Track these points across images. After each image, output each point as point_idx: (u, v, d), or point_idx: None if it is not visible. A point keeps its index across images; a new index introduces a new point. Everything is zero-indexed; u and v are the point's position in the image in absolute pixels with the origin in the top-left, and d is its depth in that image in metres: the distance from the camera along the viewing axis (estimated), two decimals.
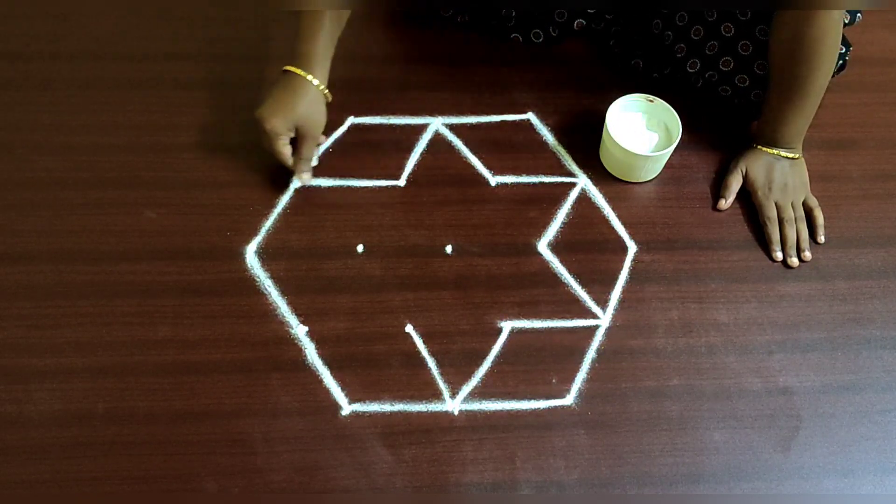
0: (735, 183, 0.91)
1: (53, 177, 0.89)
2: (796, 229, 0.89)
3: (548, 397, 0.79)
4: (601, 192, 0.92)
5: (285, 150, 0.85)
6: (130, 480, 0.73)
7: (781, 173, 0.90)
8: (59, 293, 0.81)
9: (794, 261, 0.87)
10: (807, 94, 0.84)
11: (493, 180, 0.92)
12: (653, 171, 0.92)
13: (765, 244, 0.89)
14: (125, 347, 0.79)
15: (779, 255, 0.87)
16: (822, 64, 0.81)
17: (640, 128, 0.91)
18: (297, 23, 0.84)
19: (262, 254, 0.85)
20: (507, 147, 0.94)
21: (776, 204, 0.89)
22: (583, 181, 0.92)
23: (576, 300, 0.84)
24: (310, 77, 0.83)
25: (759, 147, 0.90)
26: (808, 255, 0.88)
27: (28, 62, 0.98)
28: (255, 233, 0.86)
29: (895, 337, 0.84)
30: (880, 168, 0.96)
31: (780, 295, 0.86)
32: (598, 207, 0.91)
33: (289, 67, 0.83)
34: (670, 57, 0.95)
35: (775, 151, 0.90)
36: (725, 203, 0.90)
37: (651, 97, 0.90)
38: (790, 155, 0.90)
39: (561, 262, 0.87)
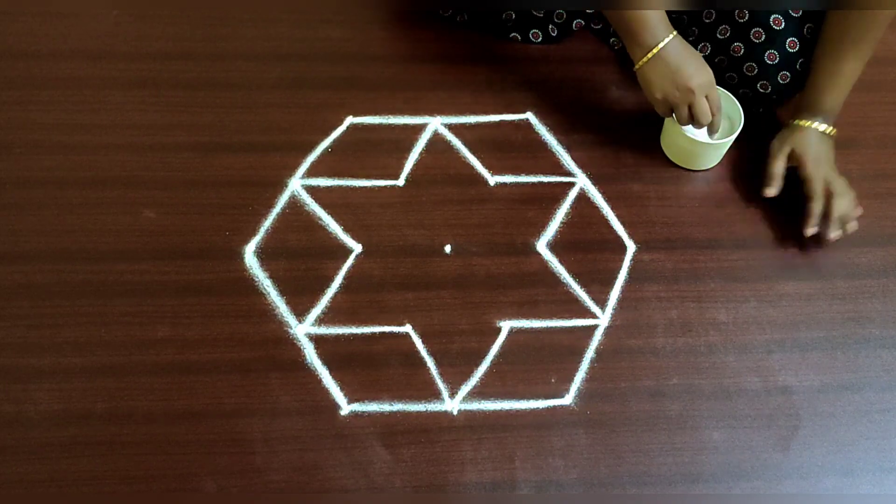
0: (780, 167, 0.88)
1: (53, 177, 0.89)
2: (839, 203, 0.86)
3: (547, 397, 0.79)
4: (600, 192, 0.92)
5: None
6: (129, 480, 0.73)
7: (827, 147, 0.88)
8: (58, 293, 0.82)
9: (838, 233, 0.86)
10: (860, 56, 0.84)
11: (492, 180, 0.92)
12: (715, 158, 0.92)
13: (764, 244, 0.89)
14: (124, 347, 0.79)
15: (813, 231, 0.86)
16: (879, 29, 0.82)
17: None
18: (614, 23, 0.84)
19: (261, 253, 0.85)
20: (505, 147, 0.94)
21: (824, 177, 0.87)
22: (582, 181, 0.92)
23: (575, 300, 0.84)
24: (671, 35, 0.82)
25: (800, 123, 0.88)
26: (853, 225, 0.87)
27: (28, 62, 0.98)
28: (253, 232, 0.86)
29: (894, 336, 0.84)
30: (880, 167, 0.96)
31: (779, 294, 0.86)
32: (597, 207, 0.91)
33: (654, 50, 0.81)
34: None
35: (815, 125, 0.87)
36: (774, 190, 0.88)
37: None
38: (828, 130, 0.88)
39: (560, 261, 0.87)
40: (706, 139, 0.89)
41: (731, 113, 0.90)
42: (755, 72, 0.89)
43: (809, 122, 0.88)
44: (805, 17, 0.86)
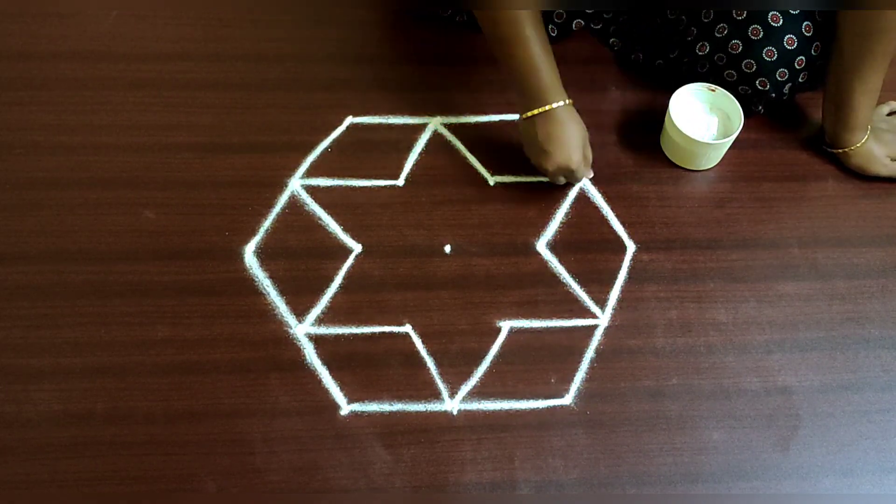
0: None
1: (53, 177, 0.89)
2: None
3: (546, 397, 0.79)
4: (600, 192, 0.92)
5: (583, 169, 0.86)
6: (129, 480, 0.73)
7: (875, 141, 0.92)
8: (57, 293, 0.82)
9: None
10: (886, 65, 0.84)
11: (492, 180, 0.92)
12: (714, 158, 0.93)
13: (764, 244, 0.89)
14: (124, 347, 0.79)
15: None
16: None
17: (701, 116, 0.92)
18: (505, 64, 0.82)
19: (261, 254, 0.85)
20: (505, 147, 0.94)
21: None
22: (582, 181, 0.92)
23: (574, 300, 0.84)
24: (560, 103, 0.81)
25: (862, 142, 0.91)
26: None
27: (28, 62, 0.98)
28: (253, 233, 0.86)
29: (894, 336, 0.84)
30: None
31: (778, 294, 0.86)
32: (597, 207, 0.91)
33: (536, 110, 0.81)
34: (681, 41, 0.94)
35: (868, 135, 0.92)
36: None
37: (713, 86, 0.90)
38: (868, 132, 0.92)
39: (560, 261, 0.87)
40: (706, 139, 0.89)
41: (731, 113, 0.90)
42: (753, 69, 0.89)
43: (865, 136, 0.91)
44: (804, 15, 0.86)
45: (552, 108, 0.81)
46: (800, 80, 0.90)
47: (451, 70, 1.00)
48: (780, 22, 0.86)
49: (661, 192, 0.92)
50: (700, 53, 0.92)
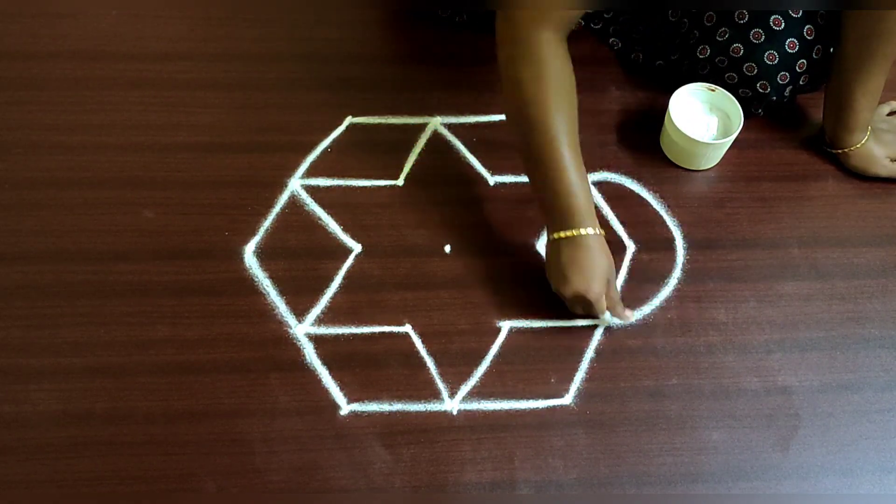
0: None
1: (52, 177, 0.89)
2: None
3: (546, 397, 0.79)
4: (600, 192, 0.91)
5: (605, 303, 0.79)
6: (129, 480, 0.73)
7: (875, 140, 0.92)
8: (57, 293, 0.82)
9: None
10: (888, 65, 0.84)
11: (492, 180, 0.92)
12: (714, 158, 0.93)
13: (764, 244, 0.89)
14: (123, 347, 0.79)
15: None
16: None
17: (701, 116, 0.92)
18: (538, 184, 0.78)
19: (261, 253, 0.85)
20: (505, 146, 0.94)
21: None
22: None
23: None
24: (591, 231, 0.76)
25: (863, 142, 0.91)
26: None
27: (28, 62, 0.98)
28: (253, 232, 0.86)
29: (893, 336, 0.84)
30: None
31: (778, 294, 0.86)
32: (597, 207, 0.90)
33: (565, 233, 0.76)
34: (682, 43, 0.94)
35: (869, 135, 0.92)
36: None
37: (713, 86, 0.91)
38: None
39: None
40: (706, 139, 0.89)
41: (731, 113, 0.91)
42: (755, 72, 0.89)
43: (865, 137, 0.91)
44: (805, 18, 0.86)
45: (582, 234, 0.76)
46: (800, 82, 0.90)
47: (451, 70, 1.00)
48: (782, 25, 0.86)
49: (662, 192, 0.92)
50: (701, 56, 0.92)
